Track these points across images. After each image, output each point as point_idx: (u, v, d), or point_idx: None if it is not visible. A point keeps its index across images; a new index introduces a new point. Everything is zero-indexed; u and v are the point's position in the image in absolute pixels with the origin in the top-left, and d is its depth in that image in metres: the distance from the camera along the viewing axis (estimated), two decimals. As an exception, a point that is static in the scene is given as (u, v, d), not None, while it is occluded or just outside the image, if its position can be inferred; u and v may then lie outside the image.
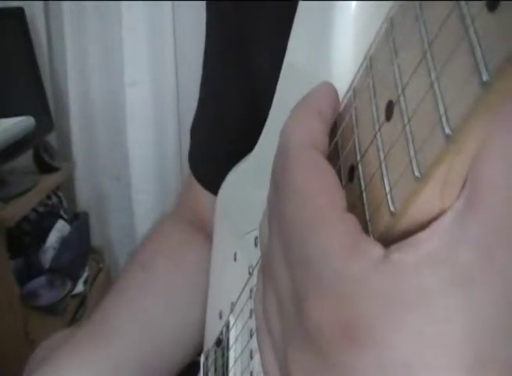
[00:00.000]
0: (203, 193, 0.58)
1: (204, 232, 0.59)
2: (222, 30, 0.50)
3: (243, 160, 0.45)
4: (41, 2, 1.60)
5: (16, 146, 1.36)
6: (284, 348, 0.20)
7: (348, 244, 0.17)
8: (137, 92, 1.60)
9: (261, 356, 0.24)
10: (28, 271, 1.51)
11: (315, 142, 0.20)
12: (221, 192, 0.51)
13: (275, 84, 0.44)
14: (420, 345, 0.16)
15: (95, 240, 1.78)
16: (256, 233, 0.38)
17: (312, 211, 0.18)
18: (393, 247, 0.17)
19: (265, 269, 0.24)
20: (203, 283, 0.54)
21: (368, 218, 0.18)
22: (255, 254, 0.38)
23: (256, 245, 0.38)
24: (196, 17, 1.51)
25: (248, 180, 0.43)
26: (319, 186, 0.19)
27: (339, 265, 0.17)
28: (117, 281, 0.55)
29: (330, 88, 0.22)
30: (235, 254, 0.45)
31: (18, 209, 1.38)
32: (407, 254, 0.16)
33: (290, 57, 0.29)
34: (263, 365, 0.23)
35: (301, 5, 0.26)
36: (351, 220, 0.18)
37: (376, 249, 0.17)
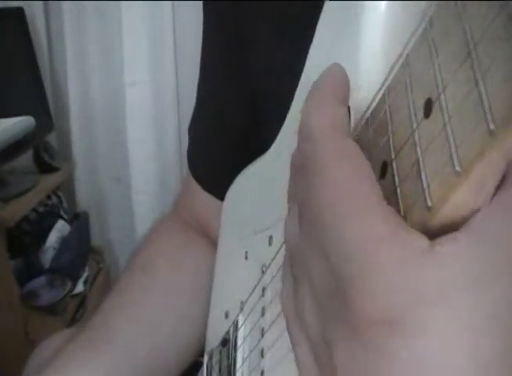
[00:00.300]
0: (201, 193, 0.58)
1: (202, 233, 0.59)
2: (220, 30, 0.50)
3: (255, 162, 0.45)
4: (41, 2, 1.60)
5: (16, 146, 1.36)
6: (325, 340, 0.20)
7: (390, 232, 0.17)
8: (137, 92, 1.60)
9: (294, 350, 0.24)
10: (28, 271, 1.50)
11: (341, 127, 0.20)
12: (230, 193, 0.51)
13: (274, 83, 0.44)
14: (438, 340, 0.16)
15: (95, 240, 1.78)
16: (270, 232, 0.39)
17: (351, 199, 0.18)
18: (436, 240, 0.17)
19: (295, 264, 0.24)
20: (203, 284, 0.54)
21: (402, 213, 0.18)
22: (269, 254, 0.38)
23: (270, 244, 0.38)
24: (196, 17, 1.50)
25: (261, 181, 0.43)
26: (356, 173, 0.19)
27: (380, 254, 0.17)
28: (117, 283, 0.55)
29: (341, 70, 0.22)
30: (246, 253, 0.45)
31: (18, 209, 1.38)
32: (441, 248, 0.16)
33: (314, 56, 0.29)
34: (297, 358, 0.24)
35: (327, 5, 0.26)
36: (390, 208, 0.18)
37: (420, 240, 0.17)
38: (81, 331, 0.49)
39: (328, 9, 0.26)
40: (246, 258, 0.45)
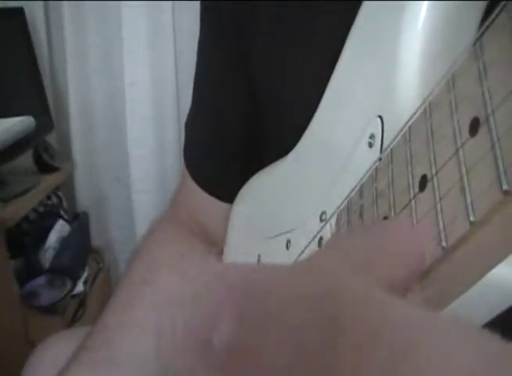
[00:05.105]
0: (197, 191, 0.57)
1: (200, 234, 0.59)
2: (219, 24, 0.51)
3: (270, 167, 0.45)
4: (41, 2, 1.60)
5: (16, 146, 1.35)
6: None
7: None
8: (137, 92, 1.60)
9: None
10: (28, 271, 1.50)
11: None
12: (241, 196, 0.51)
13: (274, 77, 0.44)
14: None
15: (95, 240, 1.77)
16: (288, 236, 0.39)
17: None
18: None
19: None
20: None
21: (442, 227, 0.18)
22: (286, 258, 0.38)
23: (287, 248, 0.39)
24: (196, 17, 1.50)
25: (280, 186, 0.43)
26: None
27: None
28: (117, 291, 0.54)
29: None
30: (259, 257, 0.46)
31: (18, 209, 1.37)
32: None
33: (347, 57, 0.29)
34: None
35: (365, 5, 0.26)
36: None
37: None
38: (83, 351, 0.48)
39: (366, 9, 0.26)
40: (259, 261, 0.46)
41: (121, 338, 0.49)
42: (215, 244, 0.56)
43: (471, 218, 0.17)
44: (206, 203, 0.56)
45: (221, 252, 0.55)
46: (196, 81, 0.56)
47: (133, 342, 0.48)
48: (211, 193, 0.56)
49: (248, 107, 0.50)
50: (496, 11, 0.16)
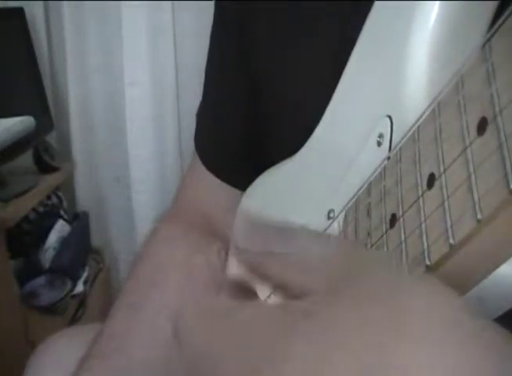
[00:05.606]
0: (206, 179, 0.57)
1: (207, 232, 0.58)
2: (223, 22, 0.51)
3: (278, 165, 0.45)
4: (41, 2, 1.60)
5: (16, 146, 1.35)
6: None
7: None
8: (137, 92, 1.60)
9: None
10: (28, 271, 1.50)
11: None
12: (249, 193, 0.51)
13: (274, 78, 0.45)
14: None
15: (95, 240, 1.77)
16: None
17: None
18: None
19: None
20: None
21: (449, 224, 0.19)
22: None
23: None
24: (196, 17, 1.51)
25: (287, 183, 0.43)
26: None
27: None
28: (123, 295, 0.53)
29: None
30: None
31: (18, 209, 1.37)
32: None
33: (357, 57, 0.29)
34: None
35: (376, 5, 0.26)
36: None
37: None
38: (92, 359, 0.47)
39: (377, 9, 0.26)
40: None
41: (131, 345, 0.48)
42: (221, 237, 0.56)
43: (478, 216, 0.17)
44: (213, 191, 0.56)
45: (224, 247, 0.55)
46: (205, 78, 0.56)
47: (144, 349, 0.47)
48: (220, 175, 0.56)
49: (249, 107, 0.51)
50: (506, 13, 0.16)
